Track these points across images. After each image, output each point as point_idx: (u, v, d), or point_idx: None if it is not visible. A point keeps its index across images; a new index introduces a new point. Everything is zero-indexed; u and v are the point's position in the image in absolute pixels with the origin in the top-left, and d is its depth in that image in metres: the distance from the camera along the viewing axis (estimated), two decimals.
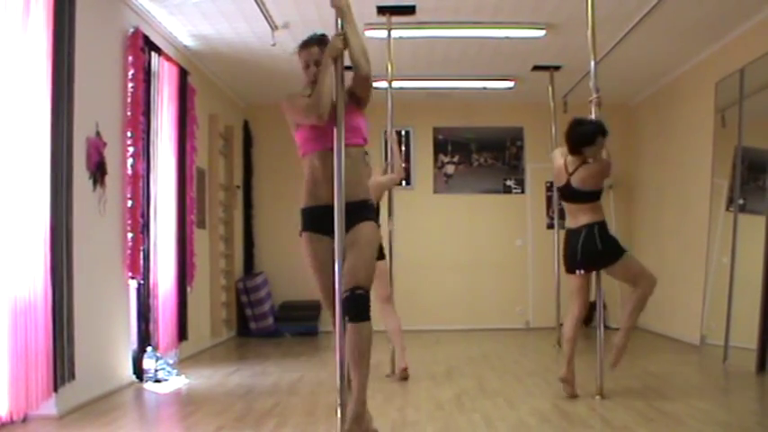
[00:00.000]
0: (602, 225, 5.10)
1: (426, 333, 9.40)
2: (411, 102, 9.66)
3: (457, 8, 6.46)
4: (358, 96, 3.73)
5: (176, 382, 6.03)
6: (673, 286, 8.60)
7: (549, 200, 10.00)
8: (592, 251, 5.06)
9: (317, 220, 3.55)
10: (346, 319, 3.37)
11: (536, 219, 10.26)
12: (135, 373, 5.97)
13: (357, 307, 3.37)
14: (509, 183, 10.29)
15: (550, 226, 9.36)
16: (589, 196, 5.09)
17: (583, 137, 5.03)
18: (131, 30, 6.00)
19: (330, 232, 3.44)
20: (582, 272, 5.16)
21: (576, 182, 5.08)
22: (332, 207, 3.39)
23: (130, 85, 5.91)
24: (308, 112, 3.56)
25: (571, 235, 5.18)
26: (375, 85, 9.84)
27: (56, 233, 4.55)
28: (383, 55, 6.41)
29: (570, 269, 5.24)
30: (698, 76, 7.90)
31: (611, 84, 8.68)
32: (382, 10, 6.40)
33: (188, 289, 7.15)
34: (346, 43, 3.53)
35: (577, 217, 5.13)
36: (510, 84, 9.00)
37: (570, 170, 5.12)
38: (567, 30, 6.92)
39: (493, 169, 10.33)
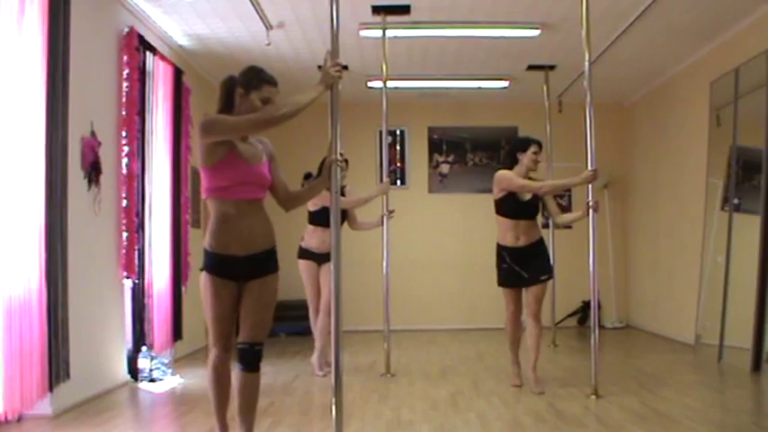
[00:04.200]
0: (500, 247, 5.45)
1: (421, 332, 9.40)
2: (406, 101, 9.66)
3: (452, 8, 6.46)
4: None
5: (171, 381, 6.03)
6: (668, 286, 8.62)
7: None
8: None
9: (226, 267, 3.43)
10: (240, 366, 3.49)
11: None
12: (130, 372, 5.96)
13: (256, 360, 3.50)
14: None
15: (545, 225, 9.33)
16: (496, 206, 5.45)
17: (517, 144, 5.54)
18: (126, 29, 5.99)
19: (238, 278, 3.45)
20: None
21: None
22: (243, 258, 3.41)
23: (125, 84, 5.91)
24: (269, 116, 3.32)
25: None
26: (370, 84, 9.79)
27: (50, 232, 4.55)
28: (378, 54, 6.40)
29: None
30: (693, 75, 7.91)
31: (606, 83, 8.71)
32: (377, 9, 6.40)
33: (183, 288, 7.15)
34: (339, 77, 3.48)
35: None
36: (505, 83, 9.00)
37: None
38: (562, 29, 6.93)
39: (488, 169, 10.28)
